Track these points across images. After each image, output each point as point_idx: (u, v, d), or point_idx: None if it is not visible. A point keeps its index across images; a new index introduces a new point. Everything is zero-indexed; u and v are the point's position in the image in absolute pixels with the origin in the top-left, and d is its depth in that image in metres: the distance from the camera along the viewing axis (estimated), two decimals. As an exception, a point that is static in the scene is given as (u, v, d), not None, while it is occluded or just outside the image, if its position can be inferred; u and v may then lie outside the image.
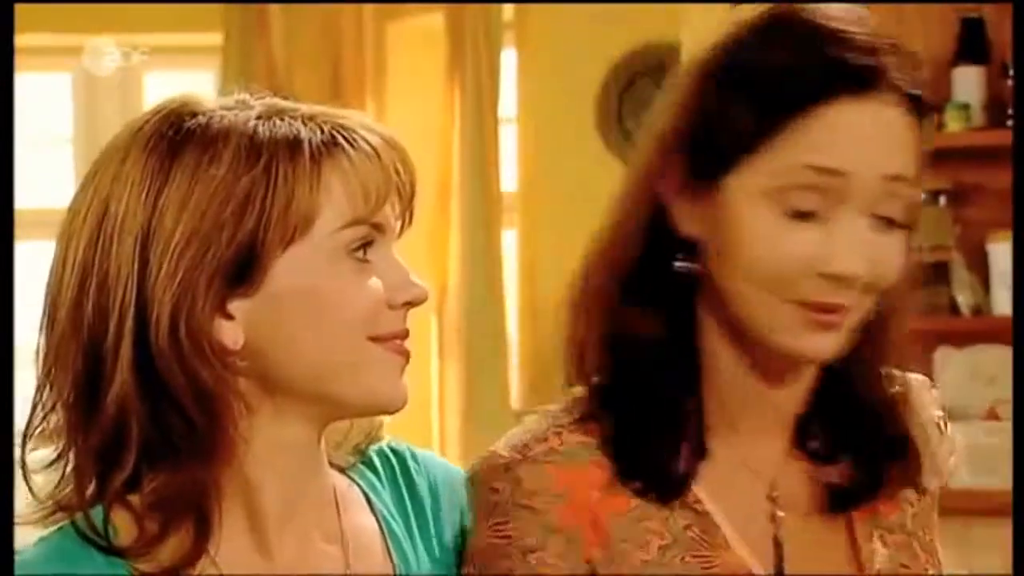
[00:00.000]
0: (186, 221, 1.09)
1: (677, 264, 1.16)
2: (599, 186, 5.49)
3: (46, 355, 1.13)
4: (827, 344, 1.12)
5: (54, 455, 1.13)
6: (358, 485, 1.22)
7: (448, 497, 1.25)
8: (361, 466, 1.24)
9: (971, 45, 3.40)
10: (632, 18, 4.51)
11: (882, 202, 1.11)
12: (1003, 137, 3.19)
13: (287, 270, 1.11)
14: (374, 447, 1.25)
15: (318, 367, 1.12)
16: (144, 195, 1.11)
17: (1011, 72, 3.32)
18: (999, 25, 3.35)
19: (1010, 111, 3.32)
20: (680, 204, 1.15)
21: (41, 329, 1.15)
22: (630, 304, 1.16)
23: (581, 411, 1.18)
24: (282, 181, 1.10)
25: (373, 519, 1.21)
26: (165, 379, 1.09)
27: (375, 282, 1.13)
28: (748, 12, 1.16)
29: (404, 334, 1.15)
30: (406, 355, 1.16)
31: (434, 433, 4.65)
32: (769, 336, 1.12)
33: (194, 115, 1.13)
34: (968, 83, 3.41)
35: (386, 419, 1.24)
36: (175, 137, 1.12)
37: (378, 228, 1.14)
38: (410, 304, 1.15)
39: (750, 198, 1.11)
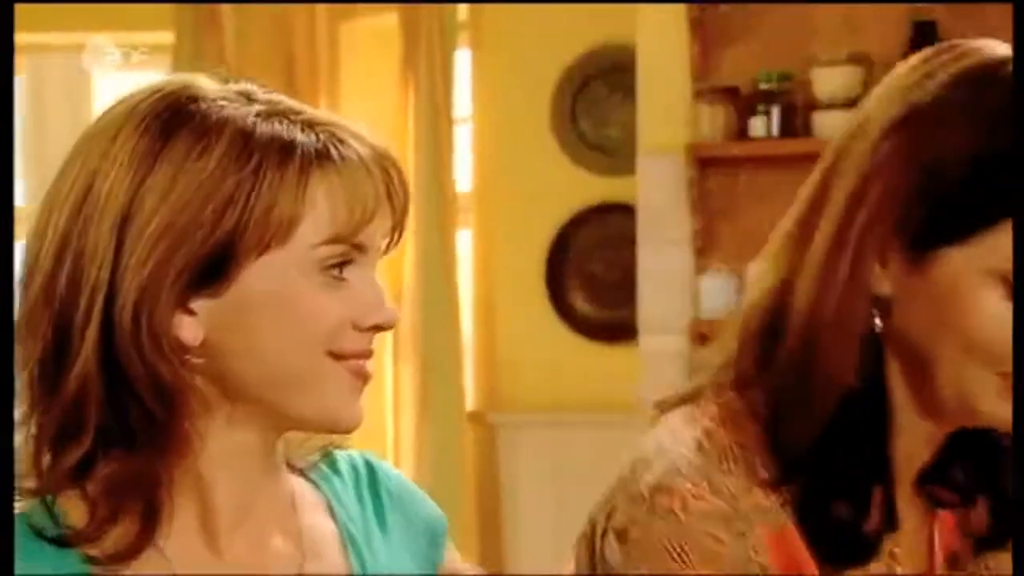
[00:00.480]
0: (164, 212, 1.08)
1: (878, 323, 1.14)
2: (553, 186, 5.49)
3: (19, 317, 1.12)
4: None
5: (19, 415, 1.12)
6: (320, 490, 1.21)
7: (412, 511, 1.25)
8: (326, 470, 1.23)
9: (922, 48, 3.42)
10: (587, 19, 4.52)
11: None
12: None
13: (258, 276, 1.09)
14: (342, 453, 1.24)
15: (272, 375, 1.11)
16: (129, 177, 1.09)
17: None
18: (952, 28, 3.38)
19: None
20: (881, 264, 1.14)
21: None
22: (820, 359, 1.14)
23: (765, 471, 1.14)
24: (267, 187, 1.08)
25: (332, 524, 1.20)
26: (125, 367, 1.08)
27: (345, 300, 1.12)
28: (945, 61, 1.14)
29: (366, 355, 1.14)
30: (365, 377, 1.14)
31: (388, 434, 4.64)
32: (968, 401, 1.13)
33: (195, 100, 1.11)
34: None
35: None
36: (170, 121, 1.10)
37: (359, 248, 1.12)
38: (378, 328, 1.13)
39: (977, 274, 1.10)
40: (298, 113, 1.12)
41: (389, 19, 4.63)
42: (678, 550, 1.11)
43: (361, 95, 4.73)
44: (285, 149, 1.09)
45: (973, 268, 1.10)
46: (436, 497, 1.22)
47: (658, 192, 3.66)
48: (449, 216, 4.57)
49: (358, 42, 4.75)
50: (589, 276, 4.63)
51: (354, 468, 1.24)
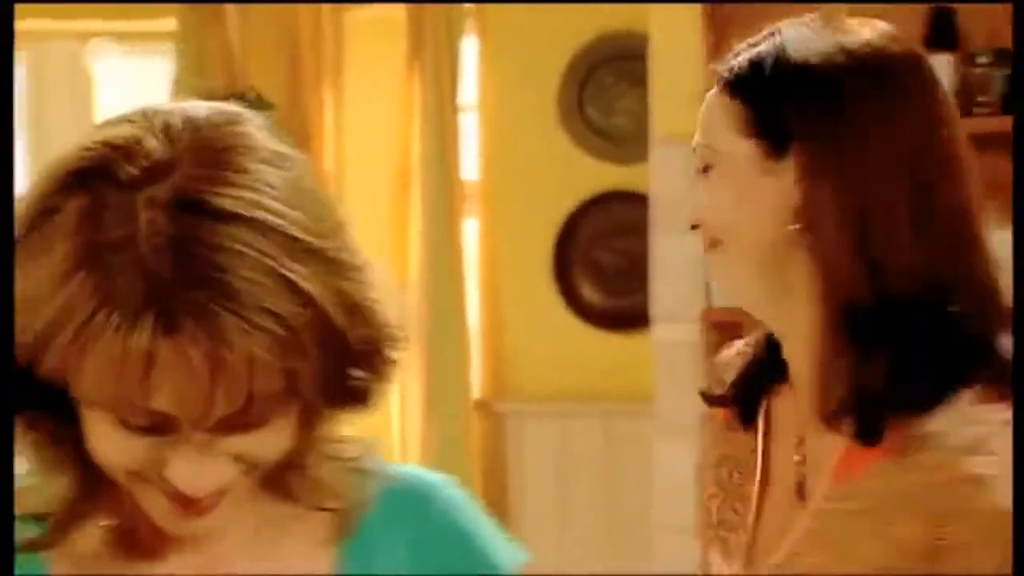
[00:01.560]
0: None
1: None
2: (560, 174, 5.43)
3: None
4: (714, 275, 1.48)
5: None
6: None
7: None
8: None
9: (941, 32, 3.39)
10: (593, 7, 4.48)
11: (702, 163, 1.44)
12: (971, 124, 3.18)
13: None
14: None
15: None
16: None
17: (976, 60, 3.32)
18: (969, 14, 3.35)
19: (980, 99, 3.32)
20: None
21: None
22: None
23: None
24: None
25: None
26: None
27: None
28: None
29: None
30: None
31: (394, 423, 4.61)
32: None
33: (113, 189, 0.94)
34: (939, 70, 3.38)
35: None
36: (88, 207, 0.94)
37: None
38: None
39: None
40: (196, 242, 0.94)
41: (395, 8, 4.58)
42: None
43: (366, 85, 4.68)
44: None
45: None
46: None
47: (671, 180, 3.61)
48: (455, 205, 4.53)
49: (363, 31, 4.71)
50: (596, 264, 4.60)
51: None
